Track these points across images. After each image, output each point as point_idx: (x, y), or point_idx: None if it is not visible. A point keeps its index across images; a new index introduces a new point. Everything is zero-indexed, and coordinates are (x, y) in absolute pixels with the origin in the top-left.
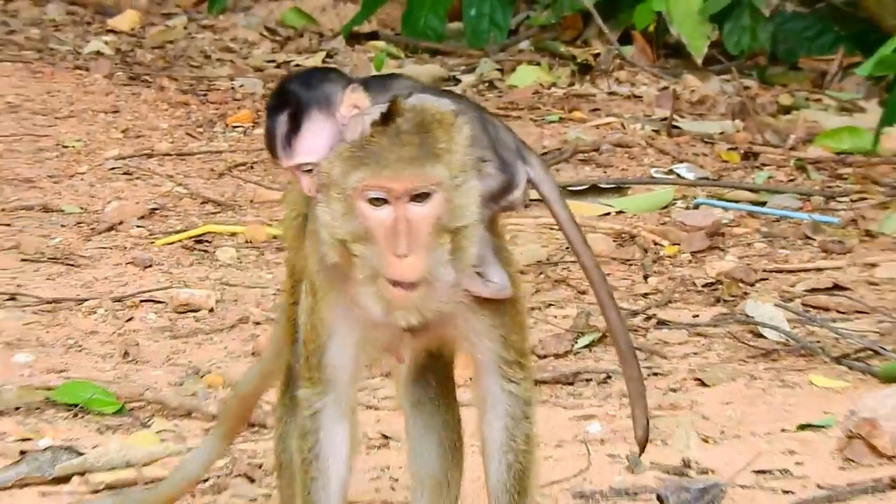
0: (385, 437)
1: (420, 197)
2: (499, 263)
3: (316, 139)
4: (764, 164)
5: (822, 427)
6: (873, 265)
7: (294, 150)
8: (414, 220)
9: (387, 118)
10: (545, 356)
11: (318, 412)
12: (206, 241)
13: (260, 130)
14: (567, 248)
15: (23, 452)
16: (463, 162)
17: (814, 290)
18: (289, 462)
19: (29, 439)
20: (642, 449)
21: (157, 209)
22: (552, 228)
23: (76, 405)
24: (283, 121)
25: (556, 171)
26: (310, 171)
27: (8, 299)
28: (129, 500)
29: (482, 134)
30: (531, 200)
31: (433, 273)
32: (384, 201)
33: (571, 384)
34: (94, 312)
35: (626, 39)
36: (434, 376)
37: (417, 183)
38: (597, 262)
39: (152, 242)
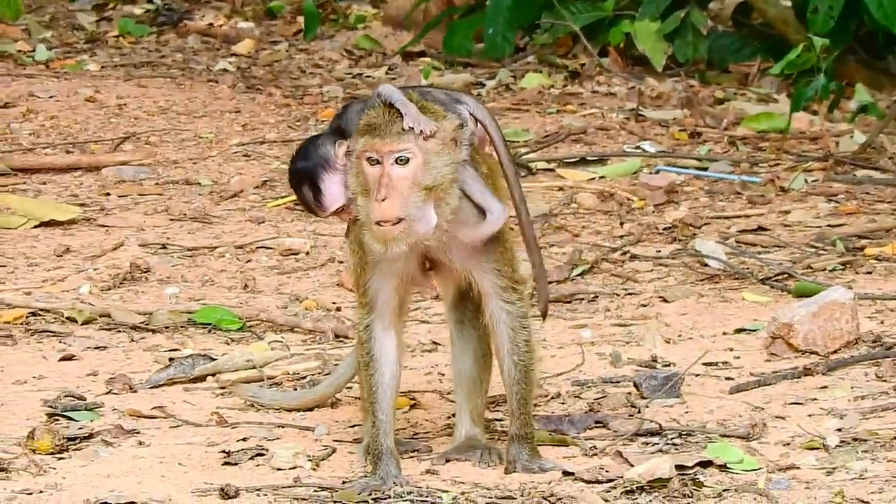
0: (434, 343)
1: (401, 160)
2: (493, 196)
3: (333, 190)
4: (705, 141)
5: (753, 330)
6: (787, 212)
7: (324, 205)
8: (395, 177)
9: (391, 106)
10: (550, 282)
11: (368, 326)
12: None
13: None
14: (564, 202)
15: (171, 359)
16: (438, 139)
17: (744, 231)
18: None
19: (176, 349)
20: (545, 316)
21: (267, 181)
22: (553, 189)
23: (210, 324)
24: (306, 191)
25: (555, 148)
26: (342, 210)
27: (160, 248)
28: (288, 395)
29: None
30: (538, 170)
31: (410, 215)
32: (377, 161)
33: (569, 302)
34: (223, 256)
35: (603, 53)
36: (471, 304)
37: (397, 148)
38: (515, 166)
39: (264, 205)
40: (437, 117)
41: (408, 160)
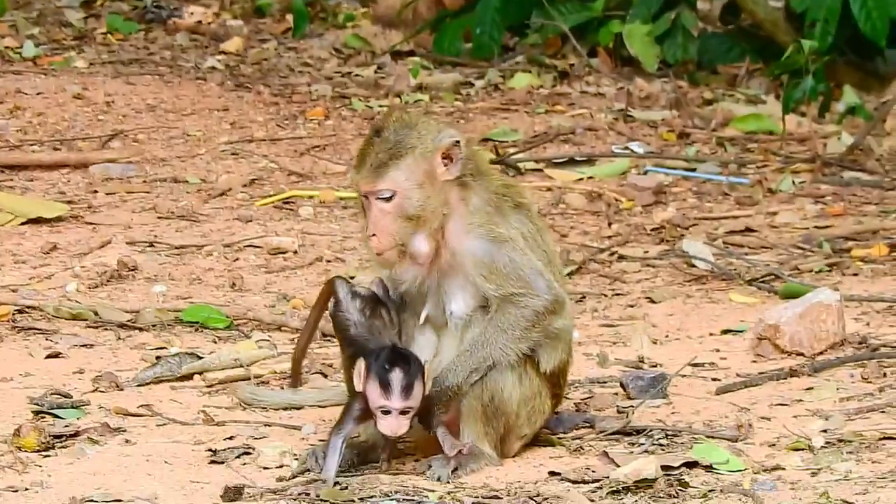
0: None
1: (386, 198)
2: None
3: (419, 391)
4: (693, 142)
5: (739, 332)
6: (774, 213)
7: (408, 398)
8: (381, 211)
9: (379, 132)
10: None
11: None
12: (291, 202)
13: (330, 122)
14: (552, 203)
15: (158, 358)
16: (417, 172)
17: (731, 232)
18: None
19: (163, 348)
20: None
21: (255, 179)
22: (541, 190)
23: (197, 322)
24: (400, 377)
25: (543, 148)
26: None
27: (148, 246)
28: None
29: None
30: (526, 170)
31: (401, 243)
32: (366, 198)
33: None
34: (211, 255)
35: (592, 53)
36: None
37: (379, 188)
38: None
39: (252, 204)
40: (410, 147)
41: (390, 197)
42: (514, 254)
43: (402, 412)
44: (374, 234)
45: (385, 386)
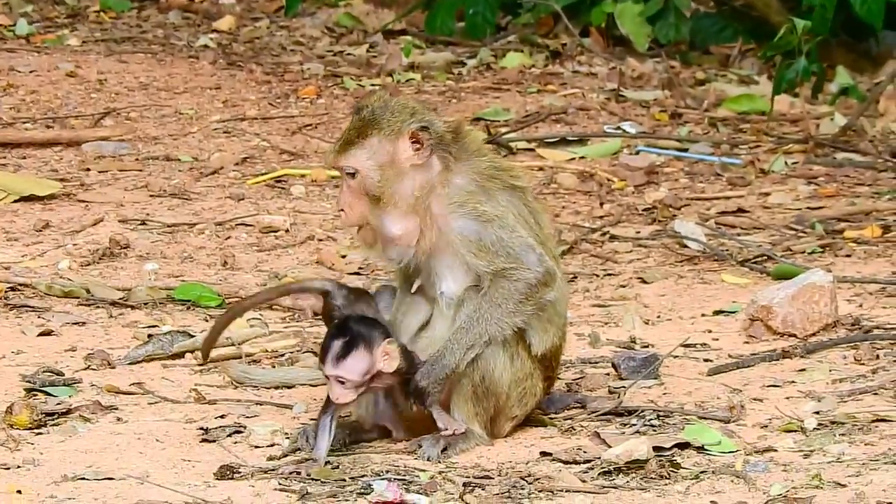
0: None
1: (350, 174)
2: None
3: (356, 365)
4: (686, 122)
5: (732, 312)
6: (766, 194)
7: (338, 366)
8: (349, 187)
9: (359, 111)
10: None
11: None
12: (283, 181)
13: (321, 101)
14: (544, 182)
15: (150, 336)
16: (380, 153)
17: (723, 213)
18: None
19: (155, 326)
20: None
21: (247, 158)
22: (533, 169)
23: (189, 300)
24: (338, 345)
25: (535, 128)
26: (342, 383)
27: (140, 224)
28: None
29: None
30: (518, 149)
31: (369, 221)
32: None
33: None
34: (203, 233)
35: (585, 33)
36: None
37: (342, 164)
38: None
39: (244, 182)
40: (375, 130)
41: (354, 174)
42: (501, 231)
43: (340, 381)
44: (342, 209)
45: (323, 351)
